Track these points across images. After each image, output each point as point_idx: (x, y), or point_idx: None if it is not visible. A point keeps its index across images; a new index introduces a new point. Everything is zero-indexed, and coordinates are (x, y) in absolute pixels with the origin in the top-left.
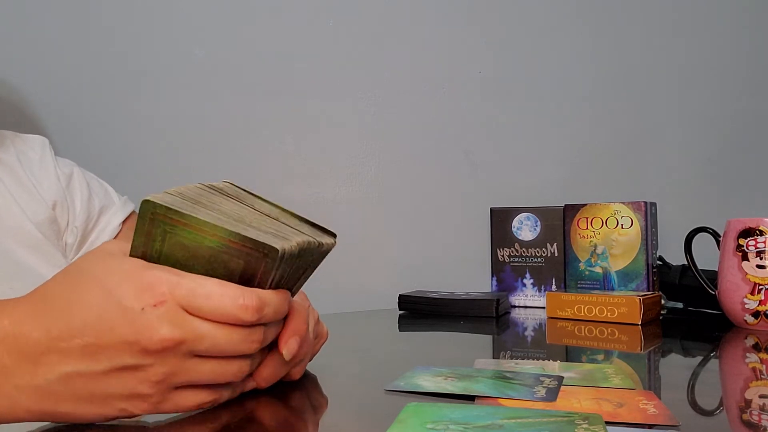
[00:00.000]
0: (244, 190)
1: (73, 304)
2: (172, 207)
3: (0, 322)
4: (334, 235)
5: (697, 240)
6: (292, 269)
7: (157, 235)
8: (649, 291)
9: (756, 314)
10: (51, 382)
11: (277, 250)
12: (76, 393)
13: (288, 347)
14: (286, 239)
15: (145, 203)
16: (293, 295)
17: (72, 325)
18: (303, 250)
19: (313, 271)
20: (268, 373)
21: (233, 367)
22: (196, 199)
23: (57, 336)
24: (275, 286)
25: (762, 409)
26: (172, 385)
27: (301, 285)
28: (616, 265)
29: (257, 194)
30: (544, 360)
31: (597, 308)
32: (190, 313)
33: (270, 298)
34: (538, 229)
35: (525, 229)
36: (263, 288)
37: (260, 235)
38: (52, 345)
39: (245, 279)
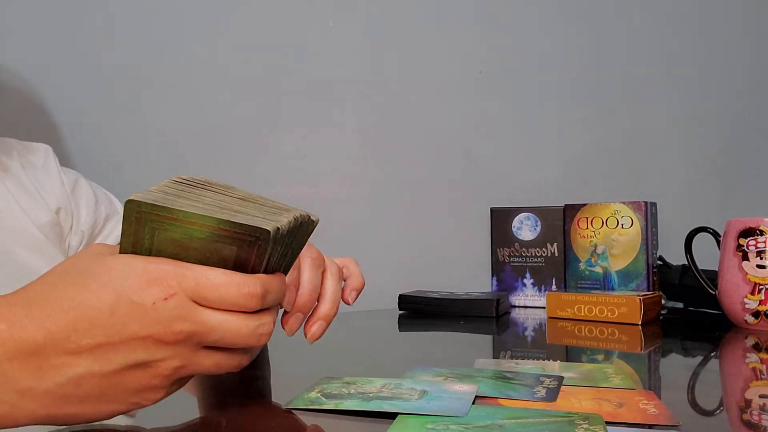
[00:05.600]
0: (214, 182)
1: (76, 303)
2: (158, 203)
3: None
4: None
5: (697, 240)
6: (282, 250)
7: (145, 234)
8: (649, 291)
9: (756, 314)
10: (61, 385)
11: (269, 232)
12: (88, 394)
13: (312, 332)
14: (275, 220)
15: (130, 203)
16: (285, 274)
17: (78, 326)
18: (293, 228)
19: (299, 251)
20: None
21: (234, 360)
22: (177, 194)
23: (63, 338)
24: (270, 270)
25: (762, 409)
26: (179, 377)
27: (290, 266)
28: (617, 265)
29: (227, 184)
30: (544, 360)
31: (597, 308)
32: (200, 304)
33: (271, 284)
34: (539, 229)
35: (525, 228)
36: (258, 272)
37: (249, 219)
38: (58, 347)
39: (238, 264)
